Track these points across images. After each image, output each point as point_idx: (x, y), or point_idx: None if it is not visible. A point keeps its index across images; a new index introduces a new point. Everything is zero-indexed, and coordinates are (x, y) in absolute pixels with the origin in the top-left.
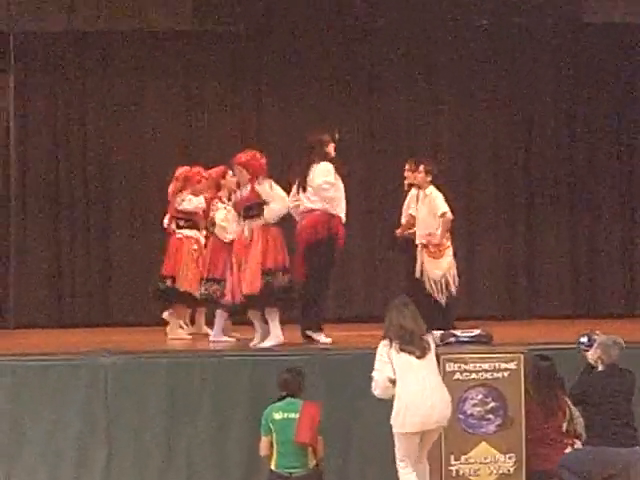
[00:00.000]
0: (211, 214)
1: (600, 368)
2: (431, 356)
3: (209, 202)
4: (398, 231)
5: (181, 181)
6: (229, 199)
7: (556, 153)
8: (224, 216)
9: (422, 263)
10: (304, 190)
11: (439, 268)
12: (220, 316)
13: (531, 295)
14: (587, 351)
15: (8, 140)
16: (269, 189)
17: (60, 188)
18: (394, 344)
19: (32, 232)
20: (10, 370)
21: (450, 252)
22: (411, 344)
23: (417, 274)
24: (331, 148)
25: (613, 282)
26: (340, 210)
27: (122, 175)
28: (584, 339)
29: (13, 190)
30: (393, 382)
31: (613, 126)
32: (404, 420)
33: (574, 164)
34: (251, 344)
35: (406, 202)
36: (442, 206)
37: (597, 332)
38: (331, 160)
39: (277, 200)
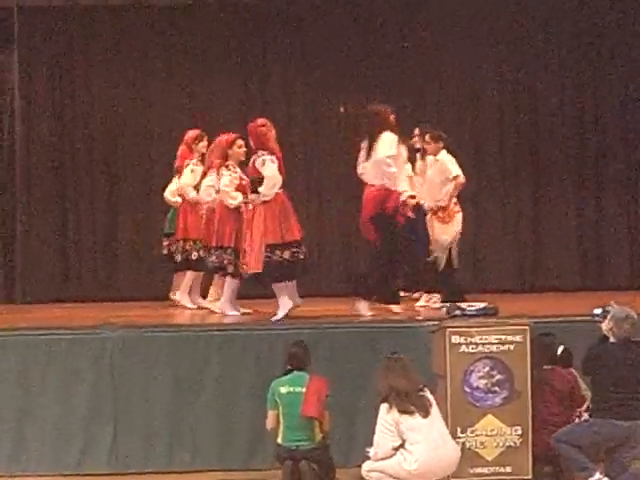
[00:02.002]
0: (219, 182)
1: (612, 340)
2: (434, 411)
3: (218, 168)
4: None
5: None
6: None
7: (563, 127)
8: (229, 182)
9: (432, 229)
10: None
11: (447, 233)
12: (229, 286)
13: (538, 268)
14: (602, 322)
15: (13, 115)
16: (260, 166)
17: (65, 163)
18: (394, 407)
19: (38, 208)
20: (17, 345)
21: (459, 218)
22: (410, 404)
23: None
24: (393, 118)
25: (619, 254)
26: (400, 185)
27: (128, 149)
28: (598, 311)
29: (19, 166)
30: (397, 448)
31: (621, 99)
32: (414, 478)
33: (581, 138)
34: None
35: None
36: (455, 169)
37: (612, 303)
38: (393, 130)
39: (264, 181)
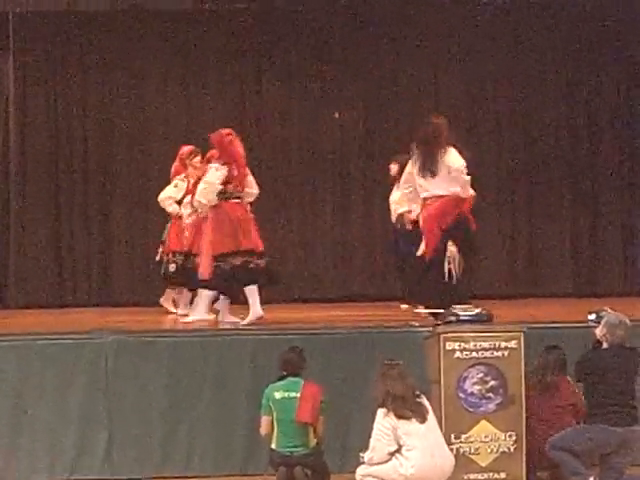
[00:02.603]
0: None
1: (605, 346)
2: (431, 417)
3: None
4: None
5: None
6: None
7: (558, 135)
8: (199, 191)
9: None
10: (433, 175)
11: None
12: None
13: (532, 274)
14: (596, 328)
15: (7, 121)
16: (205, 175)
17: (60, 168)
18: (391, 412)
19: (32, 213)
20: (11, 350)
21: None
22: (406, 409)
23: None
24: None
25: (613, 261)
26: (470, 193)
27: (122, 155)
28: (592, 316)
29: (13, 171)
30: (392, 453)
31: (615, 109)
32: None
33: (576, 143)
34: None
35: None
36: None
37: (607, 309)
38: (450, 143)
39: (200, 187)
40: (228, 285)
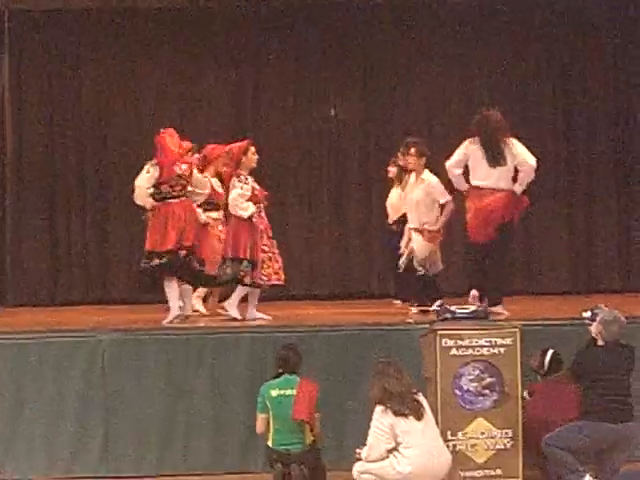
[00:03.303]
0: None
1: (600, 343)
2: (428, 415)
3: (229, 178)
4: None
5: (200, 160)
6: (250, 173)
7: (553, 134)
8: (238, 195)
9: (409, 240)
10: (496, 165)
11: (425, 251)
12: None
13: (528, 271)
14: (591, 325)
15: (3, 118)
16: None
17: (56, 166)
18: (389, 409)
19: (29, 211)
20: (8, 348)
21: (438, 240)
22: (404, 406)
23: (402, 250)
24: None
25: (609, 258)
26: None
27: (119, 152)
28: (587, 314)
29: (9, 169)
30: (390, 451)
31: (611, 99)
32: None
33: (571, 139)
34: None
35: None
36: (443, 194)
37: (601, 306)
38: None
39: None
40: (150, 283)
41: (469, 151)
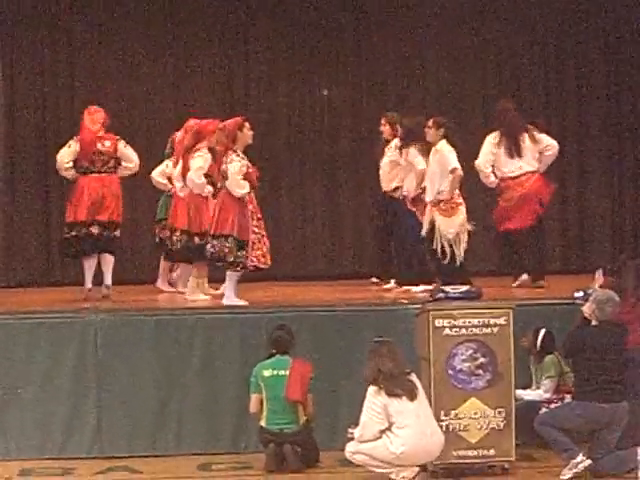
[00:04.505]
0: (223, 167)
1: (593, 323)
2: (421, 395)
3: (222, 154)
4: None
5: (193, 135)
6: (244, 152)
7: (546, 111)
8: (238, 169)
9: (433, 221)
10: (519, 155)
11: (452, 226)
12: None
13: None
14: (583, 305)
15: None
16: None
17: (49, 148)
18: (382, 390)
19: (20, 192)
20: (1, 328)
21: (463, 209)
22: (397, 386)
23: (424, 232)
24: None
25: (602, 237)
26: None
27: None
28: (579, 294)
29: (1, 151)
30: (382, 431)
31: (602, 76)
32: (399, 461)
33: (564, 122)
34: None
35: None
36: (453, 161)
37: (594, 286)
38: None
39: None
40: (73, 253)
41: (494, 147)
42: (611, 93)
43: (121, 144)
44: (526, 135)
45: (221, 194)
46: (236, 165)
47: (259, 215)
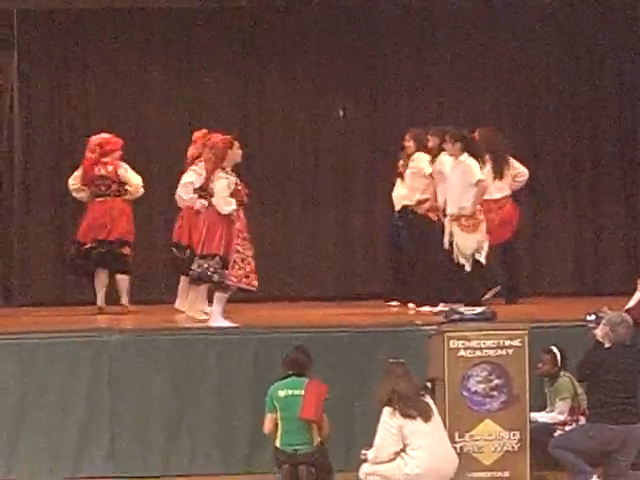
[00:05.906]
0: (211, 185)
1: (607, 345)
2: (436, 417)
3: (210, 172)
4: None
5: (199, 146)
6: (232, 170)
7: (560, 134)
8: (225, 186)
9: (451, 234)
10: (501, 178)
11: (472, 243)
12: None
13: (535, 273)
14: (595, 329)
15: (12, 118)
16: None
17: (63, 167)
18: (397, 411)
19: (35, 211)
20: (15, 349)
21: (484, 227)
22: (411, 408)
23: (446, 245)
24: None
25: (616, 260)
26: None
27: (125, 152)
28: (591, 317)
29: (17, 169)
30: (397, 453)
31: (617, 100)
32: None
33: (578, 140)
34: None
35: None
36: (477, 173)
37: (605, 309)
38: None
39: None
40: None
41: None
42: (625, 118)
43: (121, 169)
44: (510, 160)
45: (208, 212)
46: (223, 182)
47: (245, 235)
